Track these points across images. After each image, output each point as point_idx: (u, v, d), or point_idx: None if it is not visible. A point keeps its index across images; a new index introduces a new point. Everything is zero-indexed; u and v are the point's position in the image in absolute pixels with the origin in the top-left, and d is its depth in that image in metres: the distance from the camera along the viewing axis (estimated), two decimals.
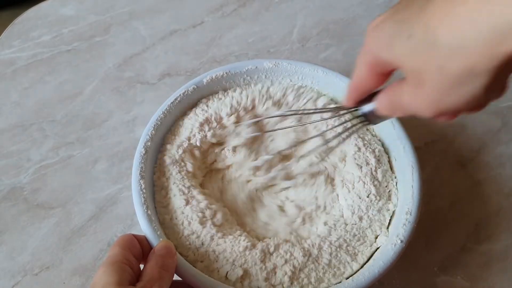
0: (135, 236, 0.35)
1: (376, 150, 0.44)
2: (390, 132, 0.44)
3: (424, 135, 0.54)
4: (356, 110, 0.33)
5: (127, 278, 0.31)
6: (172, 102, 0.45)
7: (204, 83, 0.46)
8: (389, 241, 0.39)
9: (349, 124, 0.42)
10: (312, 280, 0.37)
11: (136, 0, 0.66)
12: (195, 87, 0.46)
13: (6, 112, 0.55)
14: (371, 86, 0.29)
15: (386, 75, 0.28)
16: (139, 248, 0.34)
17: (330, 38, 0.62)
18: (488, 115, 0.56)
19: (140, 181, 0.39)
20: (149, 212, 0.38)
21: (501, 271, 0.45)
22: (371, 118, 0.32)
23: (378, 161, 0.43)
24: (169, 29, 0.63)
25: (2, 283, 0.43)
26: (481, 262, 0.46)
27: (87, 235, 0.46)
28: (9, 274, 0.44)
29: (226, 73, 0.47)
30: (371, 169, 0.43)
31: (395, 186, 0.43)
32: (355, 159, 0.43)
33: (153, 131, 0.42)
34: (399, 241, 0.37)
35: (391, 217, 0.41)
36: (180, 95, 0.45)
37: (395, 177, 0.43)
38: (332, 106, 0.47)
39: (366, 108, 0.32)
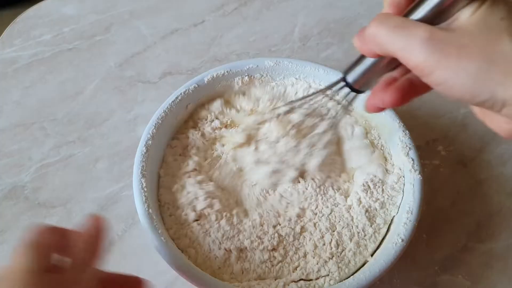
0: (64, 228, 0.30)
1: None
2: (392, 132, 0.44)
3: (426, 134, 0.54)
4: (341, 84, 0.33)
5: (48, 264, 0.27)
6: (173, 101, 0.45)
7: (205, 82, 0.46)
8: (390, 240, 0.39)
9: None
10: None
11: None
12: (196, 86, 0.46)
13: (7, 111, 0.55)
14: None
15: None
16: (62, 237, 0.29)
17: (331, 37, 0.62)
18: None
19: (141, 179, 0.39)
20: (150, 210, 0.38)
21: (502, 271, 0.45)
22: (360, 84, 0.32)
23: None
24: (170, 28, 0.63)
25: None
26: (482, 261, 0.46)
27: None
28: None
29: (227, 71, 0.47)
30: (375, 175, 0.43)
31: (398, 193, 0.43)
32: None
33: (154, 130, 0.42)
34: (400, 240, 0.37)
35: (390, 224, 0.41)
36: (181, 94, 0.45)
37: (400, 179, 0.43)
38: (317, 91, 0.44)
39: (352, 75, 0.32)
